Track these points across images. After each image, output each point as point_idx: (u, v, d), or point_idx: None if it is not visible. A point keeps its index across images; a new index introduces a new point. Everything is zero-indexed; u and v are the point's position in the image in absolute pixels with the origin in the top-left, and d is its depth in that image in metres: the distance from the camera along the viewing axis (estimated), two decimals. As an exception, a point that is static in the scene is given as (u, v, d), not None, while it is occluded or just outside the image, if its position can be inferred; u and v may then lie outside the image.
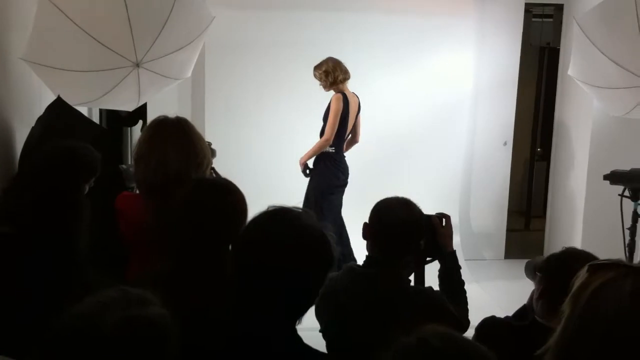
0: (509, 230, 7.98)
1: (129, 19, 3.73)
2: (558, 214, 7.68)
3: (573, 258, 2.35)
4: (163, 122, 3.02)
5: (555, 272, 2.39)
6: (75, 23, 3.67)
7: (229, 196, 2.44)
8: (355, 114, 6.22)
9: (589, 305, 1.70)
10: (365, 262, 2.76)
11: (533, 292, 2.63)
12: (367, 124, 6.47)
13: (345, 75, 6.11)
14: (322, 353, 1.99)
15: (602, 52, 4.55)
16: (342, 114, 6.03)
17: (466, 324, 2.79)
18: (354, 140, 6.36)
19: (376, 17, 7.09)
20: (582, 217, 6.98)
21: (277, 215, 1.95)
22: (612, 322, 1.66)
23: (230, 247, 2.39)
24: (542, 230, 8.16)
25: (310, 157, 6.08)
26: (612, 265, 1.73)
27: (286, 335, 1.89)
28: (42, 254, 2.64)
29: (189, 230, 2.34)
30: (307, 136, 6.33)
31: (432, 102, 7.32)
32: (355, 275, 2.72)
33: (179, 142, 2.94)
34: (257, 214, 1.96)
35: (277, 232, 1.89)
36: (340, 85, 6.11)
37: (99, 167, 3.11)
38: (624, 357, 1.63)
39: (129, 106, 4.55)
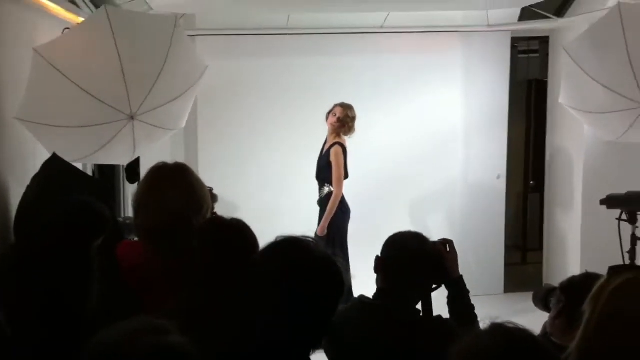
0: (507, 264, 7.96)
1: (123, 72, 3.76)
2: (555, 244, 7.66)
3: (595, 278, 2.36)
4: (162, 168, 3.02)
5: (577, 289, 2.40)
6: (69, 79, 3.70)
7: (242, 234, 2.50)
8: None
9: (609, 303, 1.77)
10: (375, 294, 2.75)
11: (545, 324, 2.65)
12: (362, 163, 6.54)
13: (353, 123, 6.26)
14: None
15: (592, 78, 4.61)
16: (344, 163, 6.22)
17: None
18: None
19: (368, 57, 7.18)
20: (579, 246, 6.96)
21: (287, 244, 1.93)
22: (633, 317, 1.69)
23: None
24: (540, 263, 8.13)
25: (329, 219, 6.12)
26: (631, 267, 1.80)
27: None
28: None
29: (203, 270, 2.35)
30: (303, 179, 6.38)
31: (424, 138, 7.33)
32: (365, 308, 2.71)
33: (178, 187, 2.92)
34: (267, 244, 1.94)
35: (289, 260, 1.87)
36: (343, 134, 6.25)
37: (110, 225, 3.10)
38: None
39: (124, 160, 4.57)
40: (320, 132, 6.39)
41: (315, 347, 1.93)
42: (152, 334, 1.49)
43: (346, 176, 6.24)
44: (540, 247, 8.29)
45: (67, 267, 2.75)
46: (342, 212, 6.15)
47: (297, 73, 7.13)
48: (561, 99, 5.25)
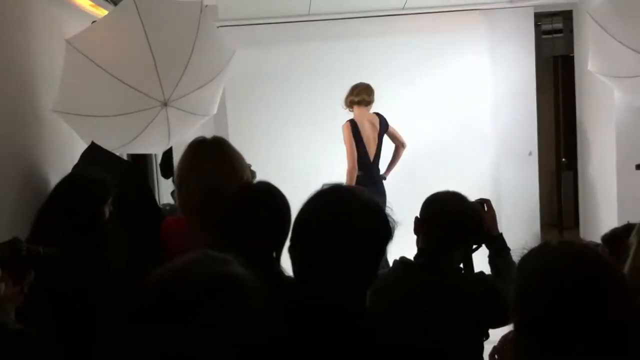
0: (544, 243, 7.88)
1: (154, 59, 3.81)
2: (591, 221, 7.59)
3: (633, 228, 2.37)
4: (201, 143, 3.07)
5: (619, 239, 2.41)
6: (102, 68, 3.76)
7: (274, 199, 2.59)
8: (378, 133, 6.39)
9: None
10: (416, 254, 2.78)
11: None
12: (388, 145, 6.58)
13: (356, 97, 6.34)
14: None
15: (619, 42, 4.58)
16: (355, 139, 6.27)
17: None
18: (399, 148, 6.63)
19: (390, 40, 7.19)
20: (616, 221, 6.88)
21: (333, 191, 1.96)
22: None
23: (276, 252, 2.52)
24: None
25: None
26: None
27: (358, 307, 1.90)
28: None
29: (236, 236, 2.41)
30: (332, 163, 6.44)
31: (452, 118, 7.32)
32: (407, 267, 2.74)
33: (219, 161, 2.98)
34: (311, 195, 1.95)
35: (335, 205, 1.89)
36: (355, 108, 6.35)
37: (111, 187, 3.27)
38: None
39: (159, 148, 4.63)
40: (345, 115, 6.47)
41: (366, 290, 1.96)
42: (211, 263, 1.51)
43: (361, 151, 6.30)
44: (576, 225, 8.22)
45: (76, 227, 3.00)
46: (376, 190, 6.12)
47: (321, 58, 7.19)
48: (590, 66, 5.22)
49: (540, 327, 1.48)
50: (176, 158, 5.99)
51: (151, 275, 1.50)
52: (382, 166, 6.63)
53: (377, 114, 6.43)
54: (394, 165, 6.67)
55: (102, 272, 3.02)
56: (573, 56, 7.65)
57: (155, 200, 4.11)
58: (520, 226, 7.54)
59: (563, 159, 9.13)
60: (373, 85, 6.40)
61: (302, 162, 7.11)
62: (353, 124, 6.29)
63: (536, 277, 1.52)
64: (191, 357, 1.41)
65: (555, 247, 1.55)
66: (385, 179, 6.55)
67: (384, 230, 1.91)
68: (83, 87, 3.88)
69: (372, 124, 6.37)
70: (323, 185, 1.97)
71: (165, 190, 6.74)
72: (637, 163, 4.93)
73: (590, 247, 1.56)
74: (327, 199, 1.93)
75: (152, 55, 3.80)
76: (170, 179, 6.57)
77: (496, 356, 1.95)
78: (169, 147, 4.60)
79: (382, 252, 1.93)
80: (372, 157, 6.37)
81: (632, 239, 1.90)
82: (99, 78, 3.77)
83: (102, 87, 3.81)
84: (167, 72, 3.89)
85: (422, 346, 2.35)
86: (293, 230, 1.97)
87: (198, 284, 1.44)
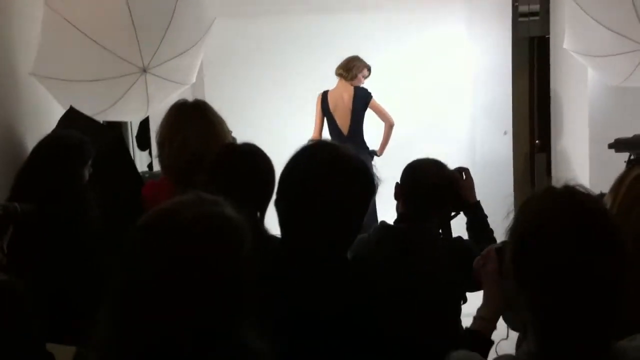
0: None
1: (133, 24, 3.80)
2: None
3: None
4: (183, 105, 3.08)
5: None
6: (81, 31, 3.74)
7: (257, 159, 2.57)
8: (352, 107, 6.39)
9: (630, 191, 1.76)
10: (396, 219, 2.81)
11: None
12: (371, 123, 6.60)
13: (338, 70, 6.44)
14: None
15: (596, 21, 4.62)
16: (323, 111, 6.42)
17: None
18: (387, 126, 6.61)
19: (368, 17, 7.16)
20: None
21: (317, 145, 2.02)
22: None
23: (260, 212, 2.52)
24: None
25: None
26: None
27: (341, 261, 1.94)
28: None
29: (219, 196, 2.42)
30: (310, 134, 6.45)
31: (429, 95, 7.33)
32: (387, 231, 2.77)
33: (200, 123, 2.98)
34: (296, 150, 1.98)
35: (320, 159, 1.92)
36: (338, 80, 6.44)
37: (90, 149, 3.25)
38: None
39: (137, 116, 4.61)
40: (320, 86, 6.53)
41: (349, 245, 2.00)
42: (203, 204, 1.51)
43: (330, 123, 6.43)
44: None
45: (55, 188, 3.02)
46: None
47: (299, 29, 7.14)
48: (565, 44, 5.27)
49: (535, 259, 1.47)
50: (153, 128, 5.98)
51: (143, 216, 1.49)
52: (376, 141, 6.67)
53: (356, 87, 6.42)
54: (385, 143, 6.66)
55: (82, 231, 3.03)
56: (549, 37, 7.69)
57: (134, 164, 4.10)
58: (494, 204, 7.60)
59: (537, 141, 9.20)
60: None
61: (279, 133, 7.08)
62: (323, 95, 6.41)
63: (536, 218, 1.50)
64: (183, 299, 1.40)
65: (559, 193, 1.52)
66: (377, 155, 6.56)
67: (367, 183, 1.95)
68: (62, 51, 3.86)
69: (344, 97, 6.38)
70: (308, 141, 2.01)
71: (142, 162, 6.73)
72: (610, 143, 4.95)
73: (592, 197, 1.54)
74: (311, 153, 1.96)
75: (132, 20, 3.79)
76: (147, 151, 6.58)
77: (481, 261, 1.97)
78: (147, 115, 4.58)
79: (366, 205, 1.96)
80: (345, 130, 6.40)
81: (607, 199, 1.94)
82: (78, 41, 3.75)
83: (82, 51, 3.80)
84: (146, 38, 3.88)
85: (401, 308, 2.39)
86: (279, 184, 1.99)
87: (190, 224, 1.43)
